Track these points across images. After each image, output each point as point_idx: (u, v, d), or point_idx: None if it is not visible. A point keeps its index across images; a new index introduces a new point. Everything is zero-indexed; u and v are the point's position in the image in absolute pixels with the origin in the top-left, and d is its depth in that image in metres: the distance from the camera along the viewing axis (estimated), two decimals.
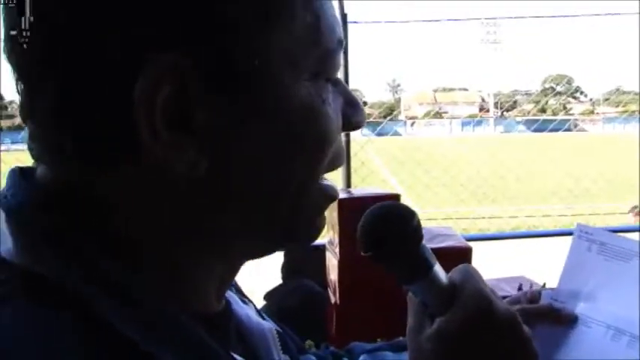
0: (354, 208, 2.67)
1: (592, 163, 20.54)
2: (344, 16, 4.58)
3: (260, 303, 3.23)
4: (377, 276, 2.90)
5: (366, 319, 2.56)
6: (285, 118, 0.53)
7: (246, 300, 0.76)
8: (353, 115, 0.60)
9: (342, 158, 0.61)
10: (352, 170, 13.86)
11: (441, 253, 2.29)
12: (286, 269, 3.45)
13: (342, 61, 0.59)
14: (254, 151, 0.52)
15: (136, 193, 0.52)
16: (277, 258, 3.25)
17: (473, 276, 0.69)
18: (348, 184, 4.59)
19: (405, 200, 15.97)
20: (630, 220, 9.76)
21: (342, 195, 2.89)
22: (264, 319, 0.75)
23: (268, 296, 3.32)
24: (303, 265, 3.34)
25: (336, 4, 4.62)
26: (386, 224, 0.65)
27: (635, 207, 9.41)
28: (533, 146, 30.25)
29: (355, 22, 4.74)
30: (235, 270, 0.65)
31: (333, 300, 2.93)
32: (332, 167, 0.60)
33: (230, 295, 0.69)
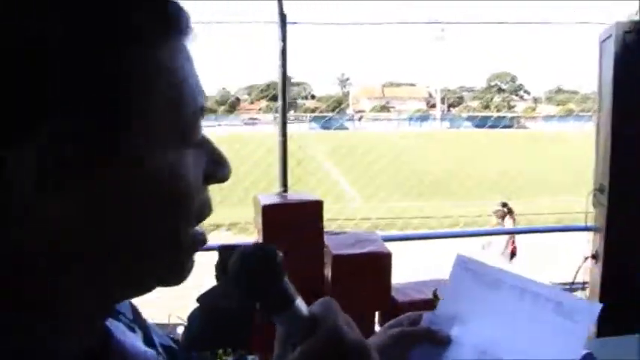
0: (277, 214, 2.80)
1: (530, 160, 21.18)
2: (283, 17, 4.72)
3: None
4: (300, 283, 3.02)
5: None
6: (147, 182, 0.58)
7: (135, 327, 0.78)
8: (218, 171, 0.67)
9: (208, 209, 0.67)
10: (299, 162, 13.90)
11: (363, 258, 2.47)
12: (219, 269, 3.45)
13: (201, 125, 0.65)
14: (121, 209, 0.57)
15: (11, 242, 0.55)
16: None
17: (331, 309, 0.78)
18: (285, 184, 4.67)
19: (349, 194, 16.04)
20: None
21: (269, 200, 2.94)
22: (153, 344, 0.78)
23: (202, 298, 3.32)
24: None
25: (275, 5, 4.77)
26: (252, 264, 0.75)
27: (498, 210, 9.36)
28: (477, 142, 30.86)
29: (295, 22, 4.88)
30: (110, 308, 0.70)
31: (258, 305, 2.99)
32: (200, 218, 0.65)
33: (115, 325, 0.71)
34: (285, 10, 4.71)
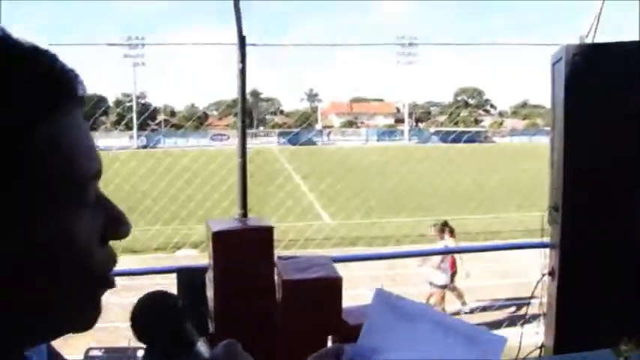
0: (227, 240, 2.80)
1: (498, 174, 21.45)
2: (242, 39, 4.74)
3: None
4: (251, 307, 3.03)
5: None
6: (43, 245, 0.62)
7: None
8: (118, 228, 0.71)
9: (112, 262, 0.71)
10: (266, 178, 13.83)
11: (314, 283, 2.47)
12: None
13: (98, 187, 0.69)
14: (21, 268, 0.61)
15: None
16: None
17: (232, 353, 0.84)
18: (244, 205, 4.64)
19: (317, 210, 15.92)
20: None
21: (220, 227, 2.94)
22: None
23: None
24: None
25: (234, 28, 4.78)
26: (153, 313, 0.78)
27: (436, 225, 9.44)
28: (444, 156, 31.17)
29: (254, 44, 4.90)
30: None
31: (210, 329, 3.00)
32: (103, 272, 0.70)
33: None
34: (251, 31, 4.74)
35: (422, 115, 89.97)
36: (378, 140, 61.14)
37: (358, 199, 15.13)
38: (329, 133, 63.13)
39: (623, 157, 3.66)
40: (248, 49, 4.83)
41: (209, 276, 3.01)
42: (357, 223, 14.52)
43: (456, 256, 9.04)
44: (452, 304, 9.27)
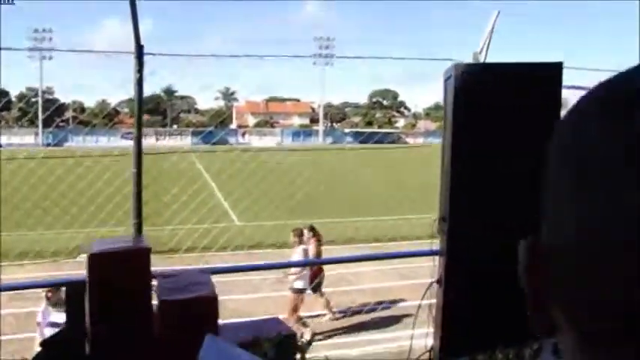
0: (101, 262, 2.78)
1: (410, 175, 22.01)
2: (139, 48, 4.65)
3: None
4: (126, 327, 3.01)
5: None
6: None
7: None
8: None
9: None
10: (176, 177, 13.55)
11: (190, 303, 2.48)
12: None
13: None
14: None
15: None
16: None
17: None
18: (139, 214, 4.53)
19: (225, 210, 15.74)
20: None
21: (98, 248, 2.92)
22: None
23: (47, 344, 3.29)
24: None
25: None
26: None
27: (296, 230, 9.33)
28: (359, 157, 31.73)
29: (152, 53, 4.82)
30: None
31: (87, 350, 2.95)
32: None
33: None
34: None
35: (337, 115, 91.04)
36: (292, 140, 61.40)
37: (267, 200, 15.11)
38: (244, 132, 62.79)
39: (506, 172, 3.84)
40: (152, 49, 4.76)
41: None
42: (266, 224, 14.50)
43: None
44: (313, 309, 9.28)
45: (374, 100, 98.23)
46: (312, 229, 9.40)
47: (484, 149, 3.87)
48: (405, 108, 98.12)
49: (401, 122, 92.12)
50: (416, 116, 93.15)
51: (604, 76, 0.42)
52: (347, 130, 69.52)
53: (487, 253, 3.83)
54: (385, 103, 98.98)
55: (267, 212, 15.12)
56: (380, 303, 9.40)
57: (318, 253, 9.28)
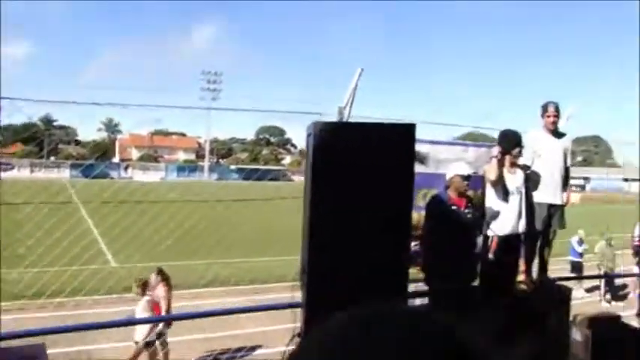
0: None
1: (286, 214, 22.11)
2: None
3: None
4: None
5: None
6: None
7: None
8: None
9: None
10: (50, 213, 12.79)
11: None
12: None
13: None
14: None
15: None
16: None
17: None
18: None
19: (103, 252, 15.02)
20: None
21: None
22: None
23: None
24: None
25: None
26: None
27: (140, 279, 8.84)
28: (243, 194, 31.66)
29: (7, 98, 4.63)
30: None
31: None
32: None
33: None
34: None
35: (223, 151, 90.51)
36: (177, 175, 60.38)
37: (144, 238, 14.63)
38: (127, 166, 60.99)
39: (363, 227, 3.97)
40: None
41: None
42: (141, 265, 14.00)
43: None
44: None
45: (261, 136, 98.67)
46: (160, 272, 8.97)
47: (342, 205, 3.97)
48: (292, 145, 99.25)
49: (287, 159, 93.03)
50: (302, 153, 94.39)
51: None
52: (233, 167, 69.31)
53: (345, 307, 3.91)
54: (272, 139, 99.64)
55: (143, 252, 14.65)
56: (239, 350, 9.27)
57: (168, 299, 8.85)
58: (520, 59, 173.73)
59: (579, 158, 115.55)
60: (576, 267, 17.76)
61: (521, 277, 6.31)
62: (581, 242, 17.91)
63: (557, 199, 6.24)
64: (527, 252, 6.22)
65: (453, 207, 5.44)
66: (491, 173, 5.74)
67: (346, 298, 3.96)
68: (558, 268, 18.85)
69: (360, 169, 3.95)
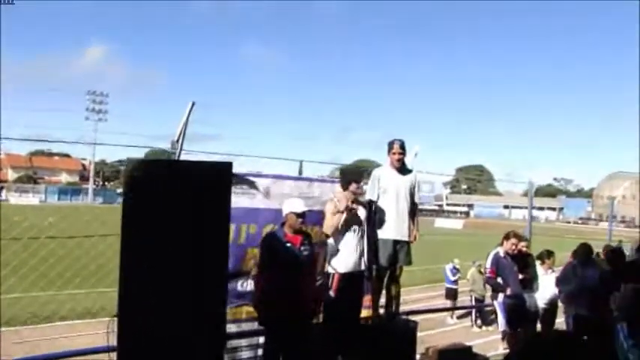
0: None
1: None
2: None
3: None
4: None
5: None
6: None
7: None
8: None
9: None
10: None
11: None
12: None
13: None
14: None
15: None
16: None
17: None
18: None
19: None
20: None
21: None
22: None
23: None
24: None
25: None
26: None
27: None
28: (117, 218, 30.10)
29: None
30: None
31: None
32: None
33: None
34: None
35: (110, 174, 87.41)
36: (58, 199, 57.55)
37: (28, 269, 13.53)
38: (1, 187, 57.50)
39: (177, 271, 3.72)
40: None
41: None
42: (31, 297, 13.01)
43: None
44: None
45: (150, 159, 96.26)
46: None
47: (154, 245, 3.72)
48: None
49: None
50: None
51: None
52: (119, 190, 66.98)
53: (157, 352, 3.66)
54: None
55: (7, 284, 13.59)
56: None
57: None
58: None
59: (464, 186, 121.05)
60: (450, 293, 18.33)
61: (366, 314, 6.28)
62: (455, 270, 18.47)
63: (403, 235, 6.24)
64: (373, 288, 6.19)
65: (288, 244, 5.30)
66: (327, 226, 5.81)
67: (157, 344, 3.72)
68: (435, 294, 19.49)
69: (174, 208, 3.72)
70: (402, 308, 6.80)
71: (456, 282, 18.36)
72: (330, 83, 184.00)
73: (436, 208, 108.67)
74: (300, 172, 7.17)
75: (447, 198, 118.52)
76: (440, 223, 73.52)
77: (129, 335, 3.77)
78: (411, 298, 18.30)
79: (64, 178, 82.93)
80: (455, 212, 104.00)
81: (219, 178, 3.82)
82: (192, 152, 6.59)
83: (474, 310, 16.49)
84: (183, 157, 5.42)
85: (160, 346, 3.71)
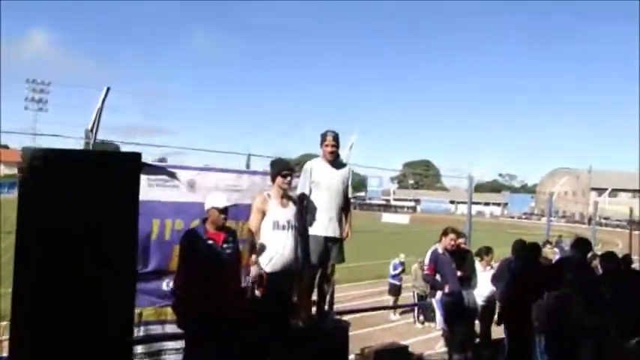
0: None
1: None
2: None
3: None
4: None
5: None
6: None
7: None
8: None
9: None
10: None
11: None
12: None
13: None
14: None
15: None
16: None
17: None
18: None
19: None
20: None
21: None
22: None
23: None
24: None
25: None
26: None
27: None
28: None
29: None
30: None
31: None
32: None
33: None
34: None
35: None
36: None
37: None
38: None
39: (77, 273, 3.39)
40: None
41: None
42: None
43: None
44: None
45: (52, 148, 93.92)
46: None
47: (50, 244, 3.37)
48: None
49: None
50: None
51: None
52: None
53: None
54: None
55: None
56: None
57: None
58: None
59: (411, 181, 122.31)
60: (393, 289, 18.23)
61: (299, 313, 6.03)
62: (399, 265, 18.35)
63: (335, 232, 5.98)
64: (304, 287, 5.93)
65: (209, 242, 4.98)
66: (251, 223, 5.54)
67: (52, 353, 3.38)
68: (379, 290, 19.37)
69: (72, 204, 3.37)
70: (343, 306, 6.60)
71: (398, 277, 18.27)
72: (283, 75, 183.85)
73: (384, 202, 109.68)
74: (248, 166, 6.90)
75: (394, 193, 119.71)
76: (387, 218, 74.07)
77: (20, 346, 3.42)
78: (358, 294, 18.23)
79: (2, 170, 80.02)
80: (402, 207, 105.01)
81: (125, 169, 3.50)
82: (133, 144, 6.27)
83: (416, 307, 16.43)
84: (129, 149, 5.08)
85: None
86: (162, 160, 9.23)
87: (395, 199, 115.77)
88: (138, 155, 3.58)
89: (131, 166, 3.53)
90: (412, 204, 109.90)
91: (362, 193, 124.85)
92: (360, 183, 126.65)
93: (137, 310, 5.50)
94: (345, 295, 15.90)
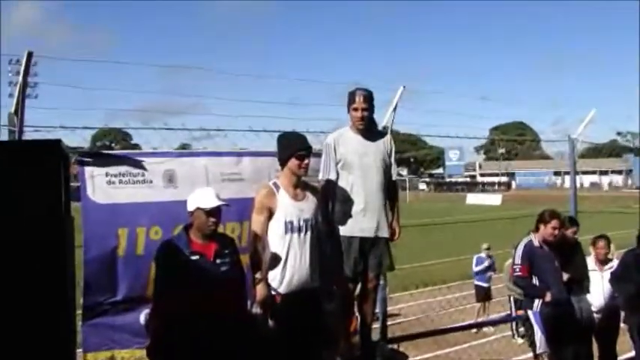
0: None
1: None
2: None
3: None
4: None
5: None
6: None
7: None
8: None
9: None
10: None
11: None
12: None
13: None
14: None
15: None
16: None
17: None
18: None
19: None
20: None
21: None
22: None
23: None
24: None
25: None
26: None
27: None
28: None
29: None
30: None
31: None
32: None
33: None
34: None
35: None
36: None
37: None
38: None
39: None
40: None
41: None
42: None
43: None
44: None
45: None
46: None
47: None
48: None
49: None
50: None
51: None
52: None
53: None
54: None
55: None
56: None
57: None
58: None
59: (501, 150, 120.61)
60: (480, 293, 17.37)
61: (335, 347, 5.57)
62: (484, 259, 17.49)
63: (374, 230, 5.43)
64: (338, 311, 5.44)
65: (194, 257, 4.47)
66: (254, 224, 5.01)
67: None
68: (467, 294, 18.74)
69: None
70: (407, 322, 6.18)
71: (485, 277, 17.48)
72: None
73: (467, 180, 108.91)
74: None
75: (480, 167, 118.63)
76: (473, 199, 73.33)
77: None
78: (435, 301, 17.79)
79: None
80: (492, 184, 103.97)
81: (38, 160, 3.10)
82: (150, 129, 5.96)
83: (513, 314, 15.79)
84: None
85: None
86: (185, 147, 8.64)
87: (482, 175, 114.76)
88: (56, 142, 3.15)
89: (46, 156, 3.11)
90: (505, 179, 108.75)
91: (439, 170, 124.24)
92: (435, 157, 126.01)
93: (107, 354, 5.24)
94: (415, 306, 15.47)
